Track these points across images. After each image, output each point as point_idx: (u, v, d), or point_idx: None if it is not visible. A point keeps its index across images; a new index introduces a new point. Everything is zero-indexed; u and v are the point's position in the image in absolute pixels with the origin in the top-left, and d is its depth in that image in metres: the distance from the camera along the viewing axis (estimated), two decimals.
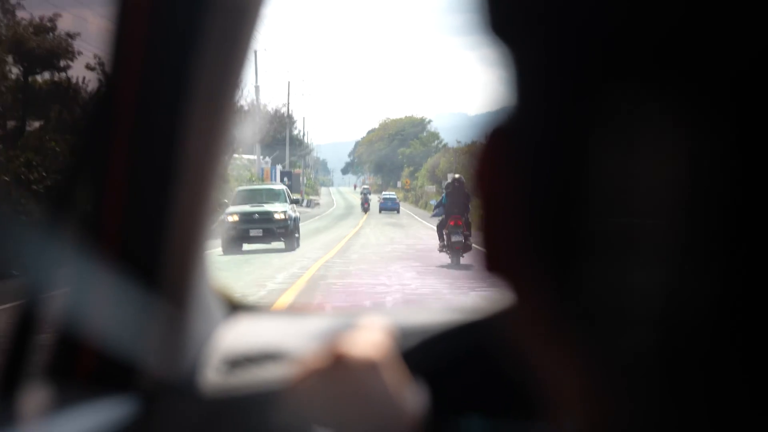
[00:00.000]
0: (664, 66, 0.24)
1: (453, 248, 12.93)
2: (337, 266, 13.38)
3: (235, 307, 1.04)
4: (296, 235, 17.44)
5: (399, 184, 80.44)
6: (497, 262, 0.31)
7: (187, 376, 0.88)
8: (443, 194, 14.38)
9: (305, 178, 63.31)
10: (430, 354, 0.84)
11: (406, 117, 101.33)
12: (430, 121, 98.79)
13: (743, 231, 0.23)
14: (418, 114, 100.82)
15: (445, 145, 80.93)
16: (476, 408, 0.75)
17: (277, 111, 55.41)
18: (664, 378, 0.24)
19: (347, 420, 0.68)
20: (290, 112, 57.71)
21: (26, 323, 0.79)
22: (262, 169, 41.83)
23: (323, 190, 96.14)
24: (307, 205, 51.00)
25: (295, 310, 1.19)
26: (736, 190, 0.23)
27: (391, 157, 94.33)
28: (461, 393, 0.79)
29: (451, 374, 0.82)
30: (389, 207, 44.17)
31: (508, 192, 0.29)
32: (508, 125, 0.30)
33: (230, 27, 0.82)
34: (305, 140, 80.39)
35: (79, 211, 0.83)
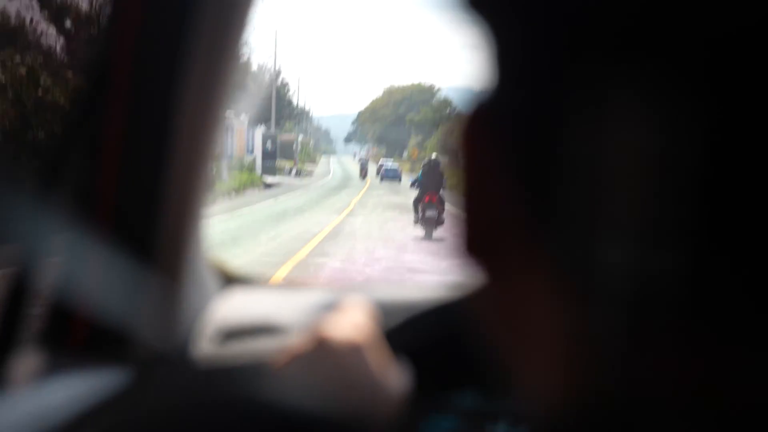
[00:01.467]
0: (633, 42, 0.24)
1: (427, 222, 13.97)
2: None
3: (229, 280, 1.05)
4: None
5: (405, 154, 70.42)
6: (478, 236, 0.31)
7: (180, 346, 0.90)
8: (420, 172, 15.32)
9: (299, 145, 52.53)
10: (414, 331, 0.86)
11: (413, 84, 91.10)
12: (439, 89, 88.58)
13: (717, 207, 0.23)
14: (426, 83, 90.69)
15: (460, 112, 71.13)
16: (460, 384, 0.76)
17: (262, 66, 45.20)
18: (637, 349, 0.25)
19: (332, 403, 0.70)
20: (278, 66, 47.52)
21: (19, 290, 0.81)
22: (232, 129, 31.04)
23: (323, 159, 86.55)
24: (296, 175, 40.46)
25: (289, 283, 1.13)
26: (711, 167, 0.23)
27: (397, 125, 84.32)
28: (445, 369, 0.80)
29: (434, 351, 0.83)
30: (391, 177, 41.74)
31: (489, 167, 0.30)
32: (487, 100, 0.31)
33: None
34: (299, 103, 70.05)
35: (72, 179, 0.84)
